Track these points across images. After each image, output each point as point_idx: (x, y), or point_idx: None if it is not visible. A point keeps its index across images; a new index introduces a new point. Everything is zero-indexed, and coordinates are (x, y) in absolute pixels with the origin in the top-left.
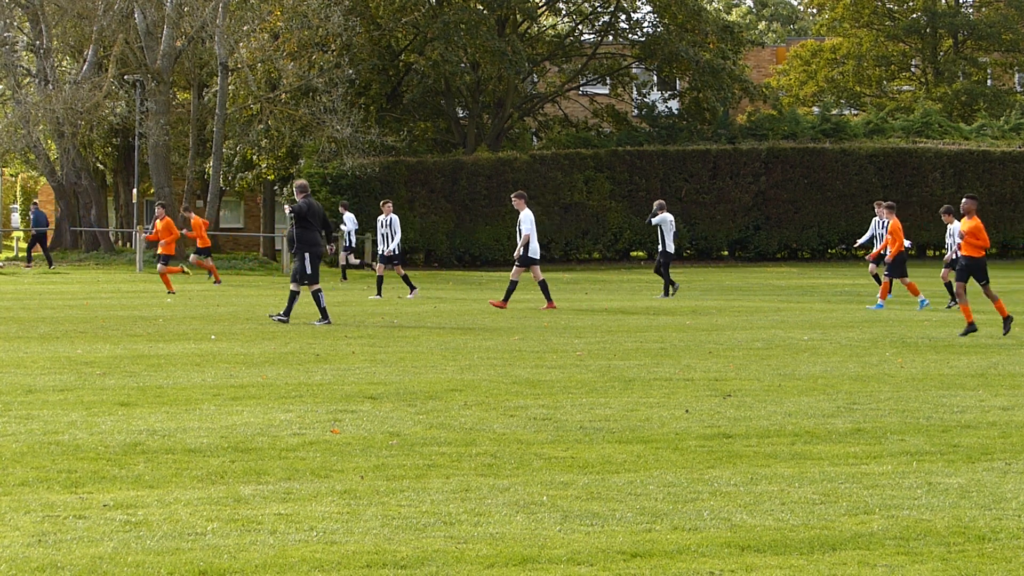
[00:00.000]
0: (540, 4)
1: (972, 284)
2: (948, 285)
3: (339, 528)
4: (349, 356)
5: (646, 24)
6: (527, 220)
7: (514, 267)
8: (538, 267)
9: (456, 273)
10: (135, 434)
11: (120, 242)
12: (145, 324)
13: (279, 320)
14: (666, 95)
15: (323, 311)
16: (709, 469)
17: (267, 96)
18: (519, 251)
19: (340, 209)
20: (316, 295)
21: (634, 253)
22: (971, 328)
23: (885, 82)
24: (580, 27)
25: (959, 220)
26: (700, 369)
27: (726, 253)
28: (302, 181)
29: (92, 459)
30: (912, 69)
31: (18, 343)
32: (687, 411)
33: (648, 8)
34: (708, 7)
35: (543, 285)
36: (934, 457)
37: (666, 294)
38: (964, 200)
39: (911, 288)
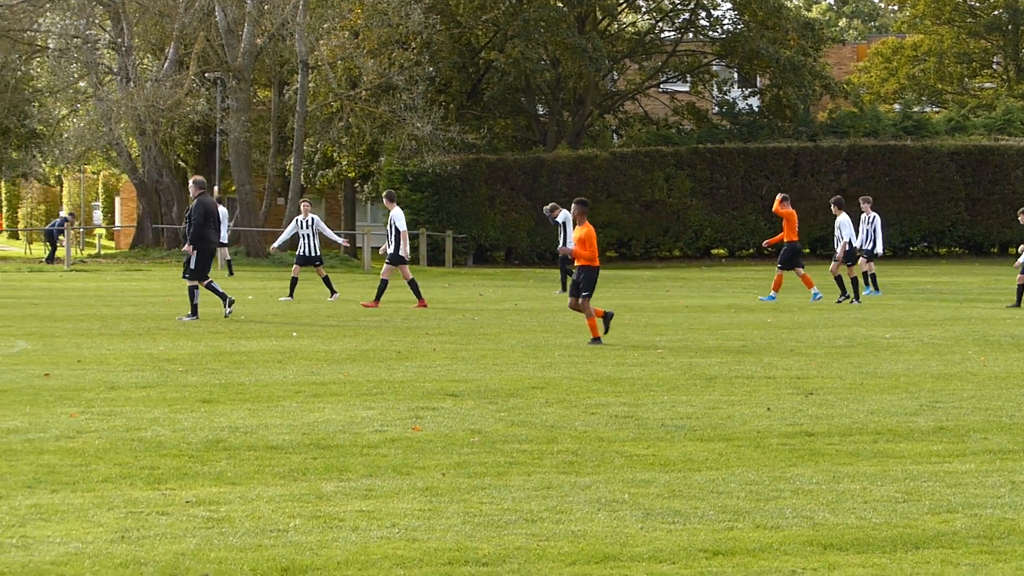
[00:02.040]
0: (620, 1)
1: None
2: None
3: (420, 525)
4: (430, 353)
5: (726, 21)
6: (399, 219)
7: (385, 265)
8: (407, 267)
9: (537, 271)
10: (217, 431)
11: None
12: (227, 321)
13: (187, 319)
14: (746, 92)
15: (195, 308)
16: (791, 467)
17: (347, 94)
18: (390, 248)
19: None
20: (192, 291)
21: (715, 251)
22: None
23: (966, 79)
24: (660, 24)
25: None
26: (782, 367)
27: (808, 251)
28: (200, 177)
29: (174, 456)
30: (994, 66)
31: (101, 340)
32: (769, 409)
33: (728, 5)
34: (788, 4)
35: (413, 284)
36: (1018, 455)
37: (564, 289)
38: None
39: (806, 280)
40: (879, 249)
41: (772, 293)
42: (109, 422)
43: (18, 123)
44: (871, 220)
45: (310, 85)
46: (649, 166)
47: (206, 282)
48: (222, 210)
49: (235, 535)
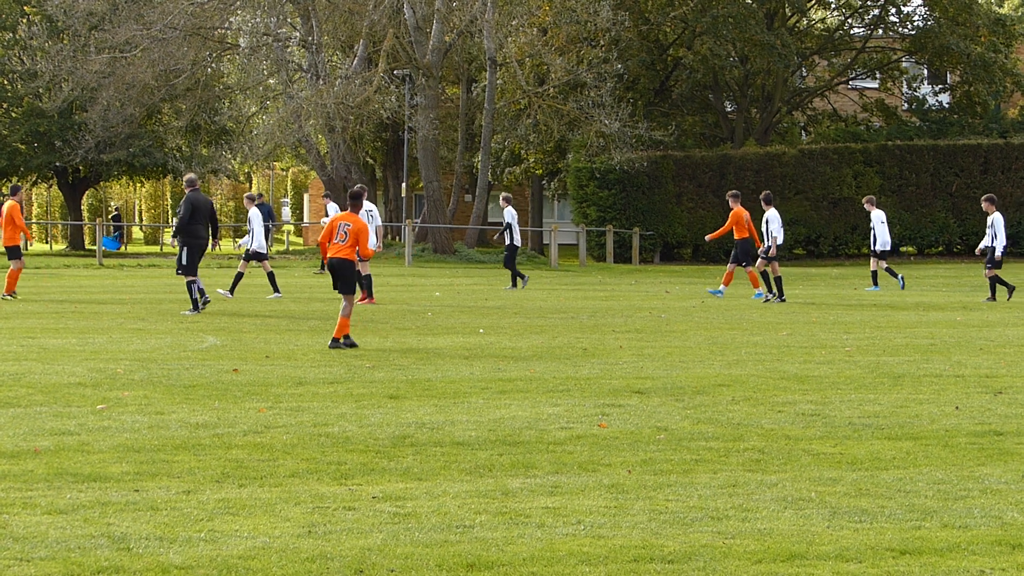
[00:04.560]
0: None
1: None
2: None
3: (606, 522)
4: (617, 351)
5: (916, 17)
6: (374, 214)
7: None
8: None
9: (724, 268)
10: (404, 427)
11: (389, 236)
12: (414, 317)
13: (192, 312)
14: (936, 89)
15: (195, 303)
16: (979, 466)
17: (535, 91)
18: (379, 245)
19: (502, 203)
20: (190, 286)
21: (904, 248)
22: None
23: None
24: (849, 21)
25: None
26: (971, 365)
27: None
28: (191, 175)
29: (361, 451)
30: None
31: (288, 336)
32: (957, 408)
33: (918, 1)
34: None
35: (367, 279)
36: None
37: (514, 285)
38: None
39: (752, 277)
40: (879, 247)
41: (759, 290)
42: (297, 417)
43: (208, 120)
44: (882, 219)
45: (498, 82)
46: (837, 163)
47: (188, 281)
48: (254, 212)
49: (421, 531)
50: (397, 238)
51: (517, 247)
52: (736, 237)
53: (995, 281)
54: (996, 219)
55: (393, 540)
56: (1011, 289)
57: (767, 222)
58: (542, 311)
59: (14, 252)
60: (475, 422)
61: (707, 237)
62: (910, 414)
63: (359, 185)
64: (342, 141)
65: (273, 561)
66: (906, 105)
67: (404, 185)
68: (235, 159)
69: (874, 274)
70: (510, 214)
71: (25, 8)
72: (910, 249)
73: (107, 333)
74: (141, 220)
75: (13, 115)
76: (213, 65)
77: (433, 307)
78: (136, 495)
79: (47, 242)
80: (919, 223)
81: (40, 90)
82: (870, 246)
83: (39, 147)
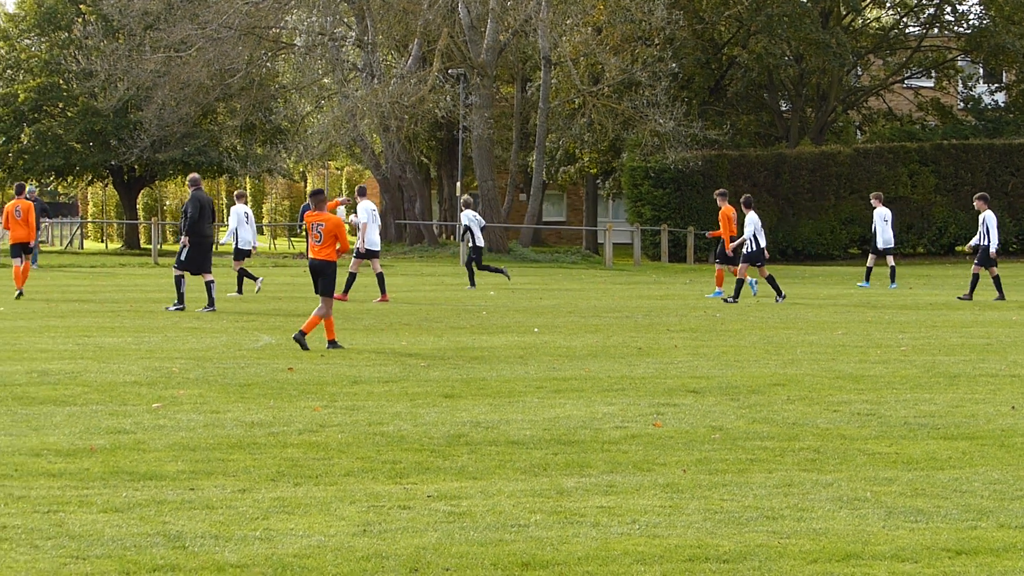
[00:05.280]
0: None
1: None
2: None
3: (661, 521)
4: (671, 350)
5: (971, 16)
6: (375, 214)
7: (352, 259)
8: (377, 260)
9: (779, 267)
10: (458, 426)
11: (443, 235)
12: (468, 316)
13: (176, 307)
14: (992, 88)
15: (180, 296)
16: None
17: (590, 90)
18: (360, 243)
19: (461, 206)
20: (178, 281)
21: (959, 248)
22: None
23: None
24: (905, 19)
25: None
26: None
27: None
28: (195, 175)
29: (416, 450)
30: None
31: (343, 335)
32: (1013, 407)
33: (974, 0)
34: None
35: (350, 279)
36: None
37: (472, 285)
38: None
39: (719, 276)
40: (882, 245)
41: (718, 289)
42: (352, 416)
43: (263, 119)
44: (886, 218)
45: (552, 81)
46: (893, 162)
47: (177, 275)
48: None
49: (476, 530)
50: (452, 237)
51: (480, 247)
52: (723, 236)
53: (997, 281)
54: (988, 217)
55: (448, 539)
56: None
57: (746, 226)
58: (597, 310)
59: (28, 249)
60: (530, 421)
61: (708, 234)
62: (966, 414)
63: (320, 188)
64: (397, 140)
65: (328, 560)
66: (961, 104)
67: (458, 184)
68: (290, 158)
69: (869, 271)
70: (467, 216)
71: (81, 7)
72: (965, 248)
73: (162, 332)
74: None
75: (69, 114)
76: (268, 64)
77: (488, 306)
78: (191, 494)
79: (102, 241)
80: (974, 222)
81: (95, 89)
82: (872, 243)
83: (94, 146)
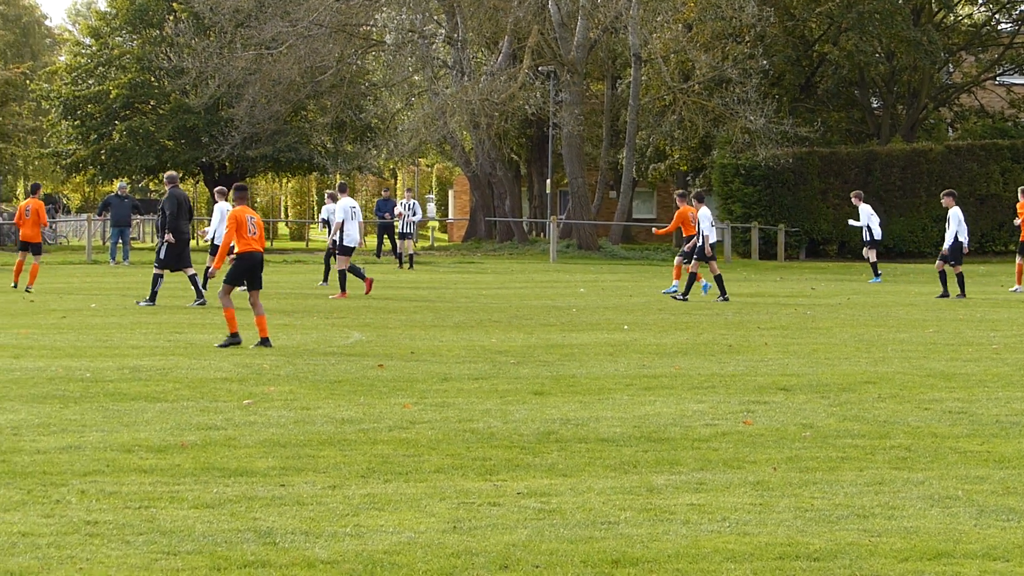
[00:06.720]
0: None
1: None
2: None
3: (751, 519)
4: (762, 347)
5: None
6: (356, 210)
7: (338, 257)
8: (348, 257)
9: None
10: (548, 423)
11: (534, 232)
12: (558, 314)
13: (146, 303)
14: None
15: (154, 295)
16: None
17: (680, 87)
18: (361, 241)
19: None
20: (156, 279)
21: None
22: None
23: None
24: (997, 16)
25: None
26: None
27: None
28: (172, 172)
29: (506, 447)
30: None
31: (433, 331)
32: None
33: None
34: None
35: (345, 273)
36: None
37: (325, 282)
38: None
39: (677, 270)
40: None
41: (675, 283)
42: (442, 413)
43: (354, 117)
44: (871, 212)
45: (643, 78)
46: (984, 160)
47: (156, 273)
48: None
49: (566, 527)
50: (542, 234)
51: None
52: (684, 235)
53: (960, 277)
54: (954, 213)
55: (538, 536)
56: (944, 295)
57: (699, 221)
58: (686, 307)
59: (36, 248)
60: (620, 418)
61: (655, 231)
62: None
63: (243, 182)
64: (487, 138)
65: (418, 556)
66: None
67: (549, 181)
68: (380, 156)
69: (874, 265)
70: (327, 210)
71: (173, 5)
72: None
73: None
74: (287, 216)
75: (160, 112)
76: (358, 62)
77: (578, 303)
78: (282, 490)
79: (194, 238)
80: None
81: (187, 87)
82: (867, 239)
83: (186, 143)
